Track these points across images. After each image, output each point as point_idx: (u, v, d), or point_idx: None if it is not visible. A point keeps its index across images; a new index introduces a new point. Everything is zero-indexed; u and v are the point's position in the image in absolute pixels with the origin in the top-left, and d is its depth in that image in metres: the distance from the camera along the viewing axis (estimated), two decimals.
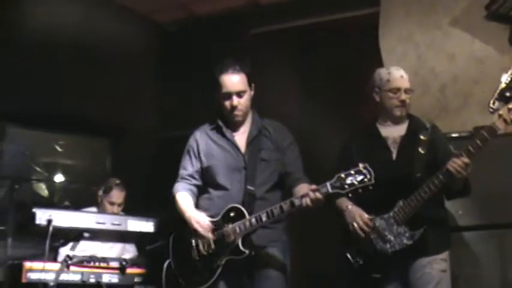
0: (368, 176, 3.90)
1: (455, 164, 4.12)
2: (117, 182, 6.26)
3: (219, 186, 4.47)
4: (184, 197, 4.55)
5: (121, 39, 7.68)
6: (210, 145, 4.59)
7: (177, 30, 8.32)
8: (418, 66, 6.36)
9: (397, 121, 4.64)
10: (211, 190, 4.52)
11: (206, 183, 4.57)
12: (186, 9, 7.93)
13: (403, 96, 4.56)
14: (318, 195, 3.97)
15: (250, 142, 4.52)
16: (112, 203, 6.12)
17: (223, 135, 4.58)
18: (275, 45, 7.49)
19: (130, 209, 6.16)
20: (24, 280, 4.49)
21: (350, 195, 4.00)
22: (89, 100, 7.09)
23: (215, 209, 4.40)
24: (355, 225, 4.38)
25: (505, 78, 4.39)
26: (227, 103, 4.49)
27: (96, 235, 4.93)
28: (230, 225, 4.26)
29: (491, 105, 4.39)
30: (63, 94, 6.90)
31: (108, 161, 7.61)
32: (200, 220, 4.36)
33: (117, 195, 6.16)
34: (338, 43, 7.24)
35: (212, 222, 4.35)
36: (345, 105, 6.89)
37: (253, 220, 4.18)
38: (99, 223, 4.87)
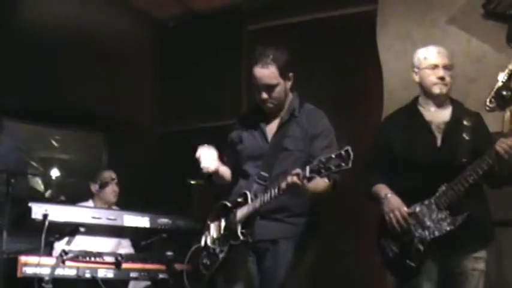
0: (346, 160, 3.64)
1: (504, 143, 3.93)
2: (113, 176, 6.31)
3: (244, 173, 4.39)
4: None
5: (119, 34, 7.69)
6: (242, 133, 4.50)
7: (175, 25, 8.33)
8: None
9: (439, 103, 4.40)
10: (240, 177, 4.44)
11: (237, 169, 4.51)
12: (184, 4, 7.93)
13: (442, 73, 4.33)
14: (295, 179, 3.77)
15: (279, 128, 4.36)
16: (108, 192, 6.20)
17: (256, 124, 4.45)
18: (273, 41, 7.45)
19: (126, 203, 6.17)
20: (19, 274, 4.45)
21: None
22: (85, 95, 7.09)
23: (235, 196, 4.35)
24: (393, 218, 4.18)
25: (502, 77, 4.39)
26: (258, 96, 4.35)
27: (92, 230, 4.92)
28: (234, 211, 4.23)
29: (488, 103, 4.39)
30: (60, 89, 6.90)
31: (105, 156, 7.61)
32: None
33: (113, 186, 6.33)
34: (336, 40, 7.25)
35: (228, 208, 4.31)
36: (342, 101, 6.90)
37: (251, 205, 4.11)
38: (95, 218, 4.86)
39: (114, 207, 6.25)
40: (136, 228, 5.11)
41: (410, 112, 4.48)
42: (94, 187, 6.30)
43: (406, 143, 4.29)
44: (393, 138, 4.38)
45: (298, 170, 3.81)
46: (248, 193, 4.19)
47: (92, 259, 4.84)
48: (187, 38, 8.17)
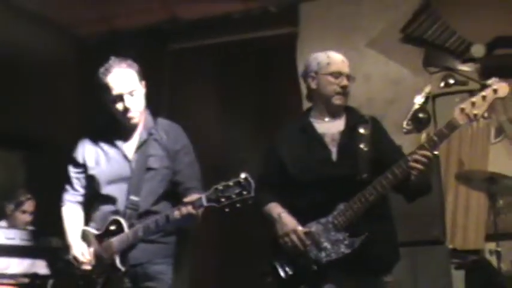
0: (247, 189, 3.48)
1: (415, 159, 3.61)
2: (28, 196, 6.19)
3: (104, 197, 4.02)
4: (70, 213, 4.19)
5: (39, 51, 7.56)
6: (98, 153, 4.12)
7: (97, 43, 8.24)
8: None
9: (334, 114, 4.02)
10: (98, 201, 4.08)
11: (94, 193, 4.13)
12: (106, 22, 7.85)
13: (345, 82, 3.95)
14: (190, 209, 3.61)
15: (138, 148, 4.03)
16: (24, 211, 6.05)
17: (112, 142, 4.09)
18: (195, 61, 7.48)
19: (42, 222, 6.05)
20: None
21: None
22: (3, 113, 6.93)
23: (101, 222, 4.01)
24: (289, 242, 3.80)
25: (418, 100, 4.44)
26: (116, 107, 3.98)
27: (6, 250, 4.79)
28: (108, 240, 3.91)
29: (405, 126, 4.41)
30: None
31: (21, 175, 7.45)
32: (83, 251, 3.97)
33: (28, 204, 6.09)
34: (257, 61, 7.29)
35: (97, 236, 3.98)
36: (263, 122, 6.93)
37: (131, 234, 3.83)
38: (9, 238, 4.75)
39: (30, 227, 6.11)
40: (52, 248, 4.99)
41: (302, 126, 4.07)
42: (9, 207, 6.15)
43: (299, 160, 3.93)
44: (285, 156, 4.00)
45: (190, 199, 3.68)
46: (122, 221, 3.89)
47: (5, 281, 4.71)
48: (109, 56, 8.09)
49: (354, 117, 4.04)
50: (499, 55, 6.48)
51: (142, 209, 3.93)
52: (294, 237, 3.78)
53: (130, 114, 4.00)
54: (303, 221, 3.82)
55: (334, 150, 3.90)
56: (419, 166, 3.60)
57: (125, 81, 4.01)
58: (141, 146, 4.05)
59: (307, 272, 3.79)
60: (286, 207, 3.91)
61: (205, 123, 6.99)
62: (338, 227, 3.74)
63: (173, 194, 4.02)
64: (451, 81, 6.37)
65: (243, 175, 3.52)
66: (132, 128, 4.08)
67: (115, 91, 3.98)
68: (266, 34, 7.37)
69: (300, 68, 6.74)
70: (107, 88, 4.00)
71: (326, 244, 3.76)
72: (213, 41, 7.63)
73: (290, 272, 3.84)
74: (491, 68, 6.42)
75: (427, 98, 4.41)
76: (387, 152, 3.88)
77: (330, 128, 3.99)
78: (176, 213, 3.68)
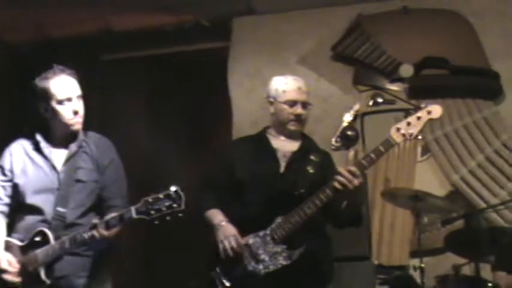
0: (178, 202, 3.50)
1: (341, 174, 3.77)
2: None
3: (29, 207, 3.96)
4: None
5: None
6: (25, 162, 4.04)
7: (29, 51, 8.10)
8: (265, 102, 6.48)
9: (290, 136, 4.21)
10: (23, 211, 4.00)
11: (18, 203, 4.03)
12: (39, 31, 7.73)
13: (300, 110, 4.14)
14: (102, 231, 3.63)
15: (67, 160, 3.99)
16: None
17: (41, 152, 4.03)
18: (127, 73, 7.43)
19: None
20: None
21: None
22: None
23: (25, 233, 3.94)
24: (227, 245, 3.88)
25: (347, 117, 4.50)
26: (67, 109, 3.96)
27: None
28: (33, 252, 3.84)
29: (333, 142, 4.48)
30: None
31: None
32: (10, 262, 3.88)
33: None
34: (190, 74, 7.29)
35: (20, 247, 3.91)
36: (194, 136, 6.93)
37: (57, 246, 3.77)
38: None
39: None
40: None
41: (258, 139, 4.28)
42: None
43: (249, 168, 4.07)
44: (236, 164, 4.14)
45: (114, 214, 3.67)
46: (48, 232, 3.83)
47: None
48: (41, 64, 7.96)
49: (309, 145, 4.26)
50: (426, 75, 6.61)
51: (69, 221, 3.89)
52: (233, 241, 3.88)
53: (78, 118, 4.00)
54: (243, 232, 3.93)
55: (283, 164, 4.10)
56: (348, 175, 3.75)
57: (71, 86, 4.02)
58: (71, 157, 4.01)
59: (245, 284, 3.87)
60: (228, 215, 4.01)
61: (136, 136, 6.95)
62: (276, 239, 3.86)
63: (101, 207, 4.01)
64: (380, 99, 6.48)
65: (173, 188, 3.53)
66: (65, 137, 4.04)
67: (63, 95, 3.96)
68: (199, 47, 7.38)
69: (231, 82, 6.84)
70: (47, 94, 3.97)
71: (264, 256, 3.86)
72: (146, 53, 7.60)
73: (227, 284, 3.92)
74: (419, 88, 6.57)
75: (355, 116, 4.46)
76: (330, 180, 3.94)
77: (284, 145, 4.19)
78: (91, 233, 3.67)
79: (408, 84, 6.57)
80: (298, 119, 4.17)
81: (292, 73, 6.45)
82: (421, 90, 6.54)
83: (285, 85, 4.23)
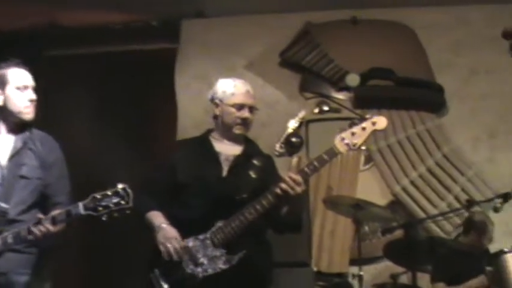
0: (126, 199, 3.48)
1: (284, 181, 3.76)
2: None
3: None
4: None
5: None
6: None
7: None
8: (211, 105, 6.48)
9: (233, 139, 4.16)
10: None
11: None
12: None
13: (247, 114, 4.10)
14: (48, 226, 3.57)
15: (12, 156, 3.92)
16: None
17: None
18: (72, 69, 7.34)
19: None
20: None
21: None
22: None
23: None
24: (170, 247, 3.82)
25: (292, 124, 4.48)
26: (23, 96, 3.94)
27: None
28: None
29: (277, 149, 4.45)
30: None
31: None
32: None
33: None
34: (136, 74, 7.22)
35: None
36: (139, 135, 6.88)
37: (0, 241, 3.71)
38: None
39: None
40: None
41: (201, 142, 4.23)
42: None
43: (190, 171, 4.02)
44: (178, 166, 4.08)
45: (58, 211, 3.64)
46: None
47: None
48: None
49: (252, 149, 4.20)
50: (372, 85, 6.69)
51: (11, 217, 3.82)
52: (175, 243, 3.82)
53: (32, 108, 3.98)
54: (183, 235, 3.87)
55: (225, 168, 4.05)
56: (291, 183, 3.74)
57: (28, 76, 4.02)
58: (16, 154, 3.95)
59: (183, 286, 3.83)
60: (168, 217, 3.95)
61: (80, 134, 6.87)
62: (216, 243, 3.83)
63: (44, 204, 3.95)
64: (325, 108, 6.52)
65: (120, 185, 3.52)
66: (13, 128, 3.99)
67: (20, 82, 3.96)
68: (146, 48, 7.32)
69: (178, 84, 6.82)
70: (3, 79, 3.96)
71: (203, 260, 3.82)
72: (92, 51, 7.51)
73: (165, 286, 3.86)
74: (365, 97, 6.64)
75: (300, 123, 4.45)
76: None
77: (227, 149, 4.14)
78: (34, 230, 3.60)
79: (354, 94, 6.65)
80: (245, 122, 4.13)
81: (239, 77, 6.51)
82: (367, 100, 6.62)
83: (233, 88, 4.18)
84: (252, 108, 4.15)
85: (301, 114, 4.43)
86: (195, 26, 7.02)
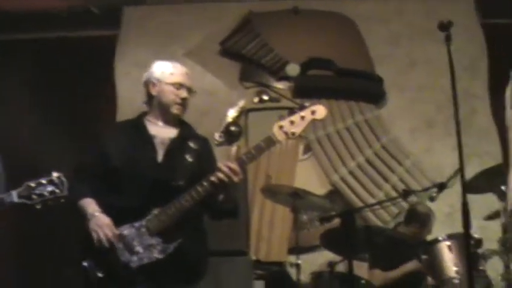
0: (60, 187, 3.45)
1: (221, 170, 3.65)
2: None
3: None
4: None
5: None
6: None
7: None
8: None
9: (169, 122, 4.01)
10: None
11: None
12: None
13: (185, 94, 3.95)
14: None
15: None
16: None
17: None
18: (13, 55, 7.23)
19: None
20: None
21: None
22: None
23: None
24: (102, 235, 3.69)
25: (231, 113, 4.49)
26: None
27: None
28: None
29: (216, 137, 4.44)
30: None
31: None
32: None
33: None
34: (76, 60, 7.14)
35: None
36: (76, 122, 6.81)
37: None
38: None
39: None
40: None
41: (135, 125, 4.07)
42: None
43: (124, 153, 3.88)
44: (111, 151, 3.93)
45: None
46: None
47: None
48: None
49: (187, 131, 4.06)
50: (312, 75, 6.73)
51: None
52: (107, 231, 3.70)
53: None
54: (118, 222, 3.74)
55: (161, 153, 3.90)
56: (228, 172, 3.65)
57: None
58: None
59: (118, 275, 3.70)
60: (102, 204, 3.82)
61: (18, 120, 6.78)
62: (152, 231, 3.71)
63: None
64: (265, 97, 6.54)
65: (55, 174, 3.47)
66: None
67: None
68: (87, 34, 7.25)
69: (118, 71, 6.77)
70: None
71: (138, 248, 3.71)
72: (32, 36, 7.41)
73: (100, 275, 3.74)
74: (304, 87, 6.68)
75: (240, 112, 4.47)
76: (209, 170, 3.80)
77: (162, 132, 3.98)
78: None
79: (294, 83, 6.69)
80: (183, 103, 3.99)
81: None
82: (306, 90, 6.66)
83: (172, 68, 4.03)
84: (189, 90, 4.01)
85: (241, 103, 4.42)
86: (135, 13, 6.99)
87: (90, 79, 6.91)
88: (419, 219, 5.66)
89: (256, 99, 6.50)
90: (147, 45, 6.76)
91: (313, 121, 3.80)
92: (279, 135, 3.72)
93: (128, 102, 6.58)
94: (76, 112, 6.90)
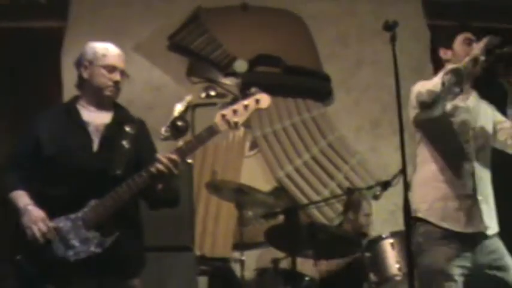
0: None
1: (160, 161, 3.55)
2: None
3: None
4: None
5: None
6: None
7: None
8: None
9: (102, 106, 3.88)
10: None
11: None
12: None
13: (118, 77, 3.84)
14: None
15: None
16: None
17: None
18: None
19: None
20: None
21: None
22: None
23: None
24: (36, 230, 3.53)
25: (178, 108, 4.44)
26: None
27: None
28: None
29: (163, 132, 4.38)
30: None
31: None
32: None
33: None
34: (21, 51, 7.03)
35: None
36: (21, 114, 6.70)
37: None
38: None
39: None
40: None
41: (67, 110, 3.89)
42: None
43: (57, 142, 3.72)
44: (43, 136, 3.75)
45: None
46: None
47: None
48: None
49: (122, 115, 3.95)
50: (260, 72, 6.76)
51: None
52: (42, 226, 3.55)
53: None
54: (51, 214, 3.60)
55: (96, 140, 3.77)
56: (167, 163, 3.56)
57: None
58: None
59: (53, 270, 3.57)
60: (36, 196, 3.68)
61: None
62: (88, 224, 3.58)
63: None
64: (212, 92, 6.53)
65: None
66: None
67: None
68: (33, 25, 7.13)
69: (64, 63, 6.68)
70: None
71: (74, 242, 3.57)
72: None
73: (35, 271, 3.60)
74: (252, 83, 6.62)
75: (187, 107, 4.42)
76: (148, 154, 3.77)
77: (95, 118, 3.85)
78: None
79: (241, 80, 6.71)
80: (116, 86, 3.87)
81: (127, 60, 6.45)
82: (254, 86, 6.63)
83: (105, 50, 3.90)
84: (123, 73, 3.91)
85: (188, 98, 4.37)
86: (83, 5, 6.91)
87: (36, 71, 6.81)
88: (353, 206, 5.70)
89: (203, 95, 6.49)
90: (95, 38, 6.64)
91: (257, 110, 3.71)
92: (221, 125, 3.65)
93: (74, 94, 6.50)
94: (22, 103, 6.79)
